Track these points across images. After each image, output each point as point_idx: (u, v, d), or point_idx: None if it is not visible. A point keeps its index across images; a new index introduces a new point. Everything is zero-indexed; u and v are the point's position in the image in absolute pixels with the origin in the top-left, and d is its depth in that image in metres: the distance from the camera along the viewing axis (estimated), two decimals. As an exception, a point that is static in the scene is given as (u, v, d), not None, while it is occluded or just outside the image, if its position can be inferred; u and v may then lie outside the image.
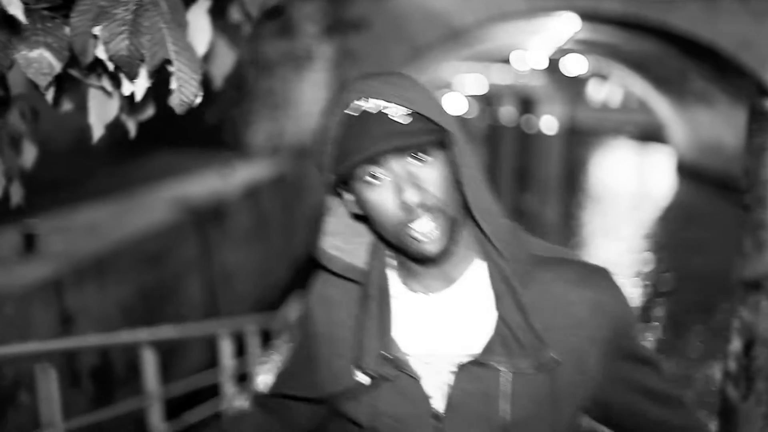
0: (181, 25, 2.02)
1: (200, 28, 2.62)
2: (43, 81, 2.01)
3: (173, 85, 1.94)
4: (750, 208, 4.39)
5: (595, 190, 35.09)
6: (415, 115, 1.83)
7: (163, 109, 2.01)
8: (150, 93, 2.30)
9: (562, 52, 51.40)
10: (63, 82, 2.50)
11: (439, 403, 1.94)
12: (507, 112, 65.70)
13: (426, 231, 1.83)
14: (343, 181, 1.94)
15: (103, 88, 2.38)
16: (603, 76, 64.91)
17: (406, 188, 1.81)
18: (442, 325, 1.96)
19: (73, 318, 9.33)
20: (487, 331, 1.93)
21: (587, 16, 30.15)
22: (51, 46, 2.01)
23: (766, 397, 4.44)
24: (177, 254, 12.98)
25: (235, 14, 2.87)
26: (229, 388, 7.69)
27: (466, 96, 72.61)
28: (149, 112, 2.56)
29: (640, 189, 36.94)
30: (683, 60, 32.27)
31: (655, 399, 2.00)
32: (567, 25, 34.05)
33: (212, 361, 8.60)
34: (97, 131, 2.45)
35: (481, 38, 33.61)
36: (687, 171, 38.68)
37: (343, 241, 2.07)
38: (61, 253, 10.03)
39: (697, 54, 29.76)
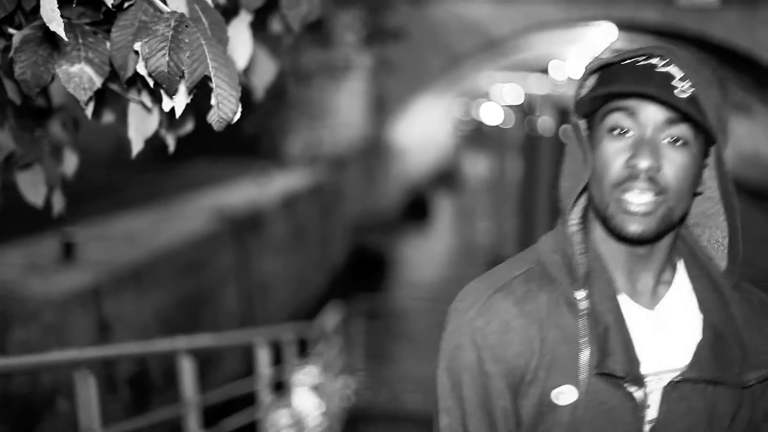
0: (221, 41, 2.03)
1: (241, 42, 2.63)
2: (83, 96, 2.02)
3: (213, 101, 1.95)
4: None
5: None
6: (696, 100, 1.74)
7: (203, 119, 2.01)
8: (189, 107, 2.31)
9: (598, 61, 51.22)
10: (103, 96, 2.53)
11: (645, 426, 1.84)
12: (544, 122, 65.46)
13: (639, 202, 1.74)
14: (589, 128, 1.88)
15: (142, 103, 2.39)
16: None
17: (645, 153, 1.72)
18: (660, 341, 1.87)
19: (110, 326, 9.38)
20: (694, 345, 1.86)
21: (625, 26, 30.09)
22: (92, 61, 2.02)
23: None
24: (214, 263, 13.02)
25: (276, 26, 2.89)
26: (265, 396, 7.70)
27: (503, 106, 72.44)
28: (188, 127, 2.57)
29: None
30: (721, 70, 32.10)
31: None
32: (604, 34, 33.95)
33: (249, 369, 8.61)
34: (137, 145, 2.46)
35: (518, 48, 33.58)
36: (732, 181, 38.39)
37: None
38: (100, 261, 10.10)
39: (734, 63, 29.63)
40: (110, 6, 1.93)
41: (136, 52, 1.96)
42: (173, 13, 1.93)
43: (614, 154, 1.76)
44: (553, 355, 1.82)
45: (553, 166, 45.29)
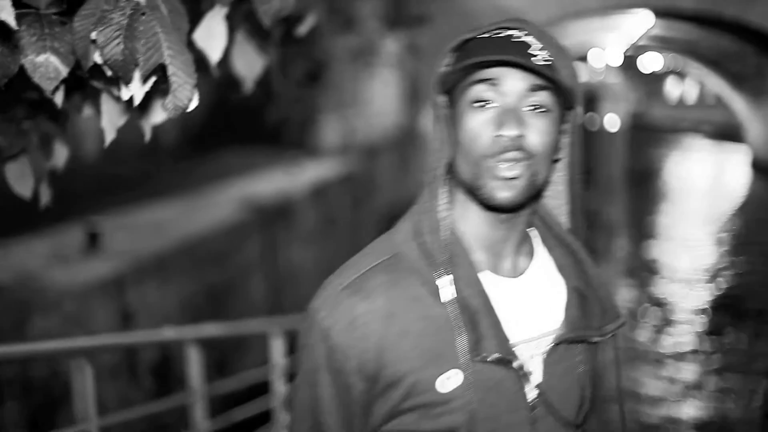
0: (180, 29, 2.01)
1: (216, 34, 2.63)
2: (48, 85, 2.01)
3: (171, 89, 1.94)
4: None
5: (668, 189, 34.73)
6: (554, 69, 1.80)
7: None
8: (161, 96, 2.30)
9: (638, 49, 51.02)
10: (81, 87, 2.52)
11: (531, 392, 1.88)
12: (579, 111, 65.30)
13: (509, 174, 1.78)
14: (450, 103, 1.89)
15: (111, 93, 2.39)
16: (679, 73, 64.31)
17: (510, 122, 1.76)
18: (528, 309, 1.92)
19: (133, 314, 9.42)
20: (562, 308, 1.96)
21: (662, 13, 29.92)
22: (57, 50, 2.01)
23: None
24: (242, 253, 13.05)
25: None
26: (279, 386, 7.69)
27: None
28: (161, 116, 2.55)
29: (714, 187, 36.50)
30: (760, 57, 31.84)
31: None
32: (641, 21, 33.78)
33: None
34: (109, 135, 2.45)
35: (557, 35, 33.49)
36: (763, 169, 38.16)
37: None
38: (124, 250, 10.14)
39: (772, 51, 29.39)
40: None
41: (95, 41, 1.95)
42: (130, 1, 1.92)
43: (480, 126, 1.79)
44: (427, 346, 1.81)
45: (578, 154, 45.20)
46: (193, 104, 1.98)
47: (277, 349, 7.55)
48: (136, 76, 2.01)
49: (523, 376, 1.85)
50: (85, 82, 2.42)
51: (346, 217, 19.21)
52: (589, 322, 1.93)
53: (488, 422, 1.82)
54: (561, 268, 2.00)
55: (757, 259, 20.36)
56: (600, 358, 2.06)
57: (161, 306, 10.17)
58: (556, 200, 2.03)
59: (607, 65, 68.08)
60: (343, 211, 18.98)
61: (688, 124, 63.03)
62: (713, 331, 14.56)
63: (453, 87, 1.87)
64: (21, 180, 2.87)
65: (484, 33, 1.85)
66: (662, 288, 17.67)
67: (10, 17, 1.78)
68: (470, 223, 1.92)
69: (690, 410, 11.21)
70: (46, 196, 3.02)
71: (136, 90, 2.05)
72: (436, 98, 1.92)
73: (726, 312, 15.85)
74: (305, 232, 16.16)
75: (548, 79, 1.77)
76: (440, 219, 1.91)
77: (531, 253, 2.00)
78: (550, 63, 1.79)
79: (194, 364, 5.71)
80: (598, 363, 2.06)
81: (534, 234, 2.03)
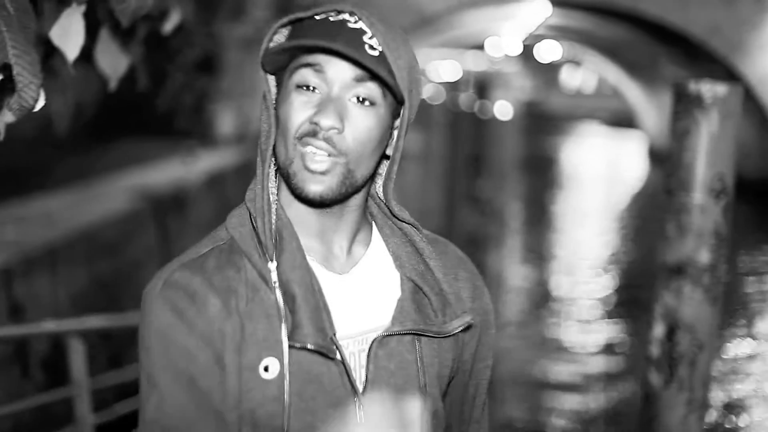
0: (26, 28, 1.99)
1: (73, 32, 2.60)
2: None
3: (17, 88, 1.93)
4: (673, 192, 4.41)
5: (564, 176, 35.11)
6: (385, 60, 1.77)
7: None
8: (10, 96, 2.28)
9: (536, 38, 51.48)
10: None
11: (358, 386, 1.85)
12: (466, 98, 65.38)
13: (318, 160, 1.76)
14: (277, 83, 1.88)
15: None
16: (577, 62, 65.07)
17: (329, 112, 1.74)
18: (359, 304, 1.90)
19: (22, 308, 9.29)
20: (395, 301, 1.92)
21: (559, 2, 30.17)
22: None
23: (688, 383, 4.46)
24: (135, 243, 12.94)
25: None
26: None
27: (438, 83, 72.43)
28: (10, 117, 2.52)
29: (611, 174, 36.99)
30: (654, 46, 32.34)
31: None
32: (538, 10, 34.07)
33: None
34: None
35: (453, 24, 33.62)
36: (658, 156, 38.78)
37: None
38: (12, 242, 9.98)
39: (667, 40, 29.81)
40: None
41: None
42: (-27, 0, 1.90)
43: (298, 107, 1.77)
44: (254, 328, 1.80)
45: (470, 142, 45.60)
46: (40, 104, 1.97)
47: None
48: (-21, 75, 2.00)
49: (344, 370, 1.83)
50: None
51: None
52: (425, 316, 1.91)
53: (306, 415, 1.79)
54: (397, 259, 1.97)
55: (653, 247, 20.68)
56: (469, 352, 2.05)
57: (52, 299, 10.04)
58: (388, 195, 1.96)
59: (505, 55, 68.56)
60: (239, 199, 18.86)
61: (584, 111, 63.90)
62: (608, 319, 14.74)
63: (282, 67, 1.85)
64: None
65: (318, 14, 1.80)
66: (556, 277, 17.85)
67: None
68: (299, 211, 1.91)
69: (586, 398, 11.38)
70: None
71: (-22, 89, 2.04)
72: (265, 77, 1.90)
73: (621, 301, 16.05)
74: (201, 222, 16.07)
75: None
76: (269, 204, 1.89)
77: (367, 243, 1.98)
78: (379, 54, 1.76)
79: (77, 357, 5.65)
80: (459, 356, 2.02)
81: (374, 224, 2.02)
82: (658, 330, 4.51)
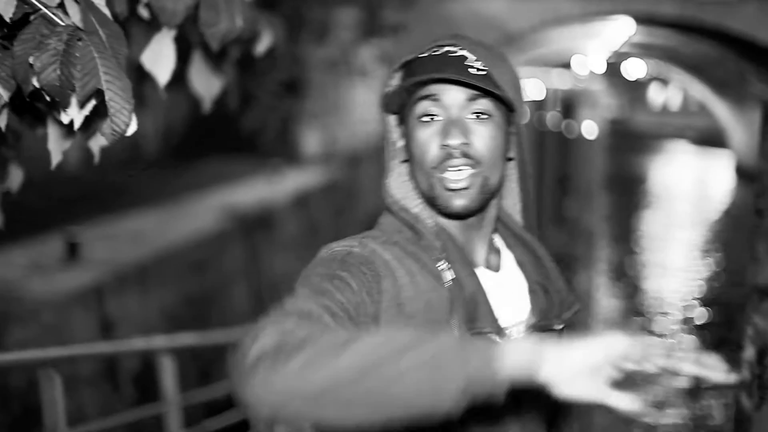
0: (118, 54, 2.06)
1: (164, 56, 2.67)
2: (-11, 109, 2.06)
3: (109, 113, 1.99)
4: (763, 213, 4.31)
5: (650, 195, 34.71)
6: (491, 77, 1.92)
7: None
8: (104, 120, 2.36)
9: (620, 55, 51.02)
10: (32, 109, 2.56)
11: None
12: (552, 117, 64.90)
13: (459, 178, 1.91)
14: (401, 120, 2.04)
15: (55, 117, 2.43)
16: (662, 80, 64.34)
17: (454, 132, 1.90)
18: (510, 299, 2.06)
19: (113, 324, 9.45)
20: (527, 299, 2.10)
21: (643, 20, 29.92)
22: (-1, 75, 2.06)
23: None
24: (223, 262, 13.07)
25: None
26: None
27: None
28: (100, 141, 2.58)
29: (698, 193, 36.50)
30: (742, 62, 31.90)
31: None
32: (622, 28, 33.82)
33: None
34: (55, 157, 2.49)
35: (537, 43, 33.47)
36: (746, 175, 38.17)
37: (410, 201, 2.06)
38: (104, 260, 10.16)
39: (755, 56, 29.39)
40: (8, 20, 1.97)
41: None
42: (67, 26, 1.97)
43: (427, 138, 1.94)
44: (429, 305, 1.90)
45: (557, 162, 45.33)
46: (132, 129, 2.03)
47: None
48: (74, 101, 2.06)
49: None
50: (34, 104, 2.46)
51: (328, 225, 19.22)
52: (551, 312, 2.08)
53: None
54: (521, 265, 2.12)
55: (742, 267, 20.35)
56: None
57: (142, 316, 10.20)
58: (511, 198, 2.15)
59: (590, 72, 68.00)
60: (325, 219, 18.99)
61: (671, 129, 63.03)
62: (697, 341, 14.55)
63: (402, 105, 2.02)
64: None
65: (424, 52, 1.98)
66: (642, 296, 17.65)
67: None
68: (446, 223, 2.04)
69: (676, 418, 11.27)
70: (-1, 221, 3.04)
71: (74, 114, 2.09)
72: (385, 118, 2.08)
73: (709, 323, 15.82)
74: (287, 241, 16.18)
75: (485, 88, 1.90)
76: (421, 215, 2.03)
77: (498, 251, 2.12)
78: (485, 73, 1.91)
79: (168, 374, 5.74)
80: None
81: (495, 235, 2.15)
82: (749, 353, 4.42)
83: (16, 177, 3.02)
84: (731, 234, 25.51)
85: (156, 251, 11.02)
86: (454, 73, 1.88)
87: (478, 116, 1.93)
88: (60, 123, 2.42)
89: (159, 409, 5.84)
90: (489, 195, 1.98)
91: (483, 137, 1.92)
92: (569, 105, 68.02)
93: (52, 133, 2.47)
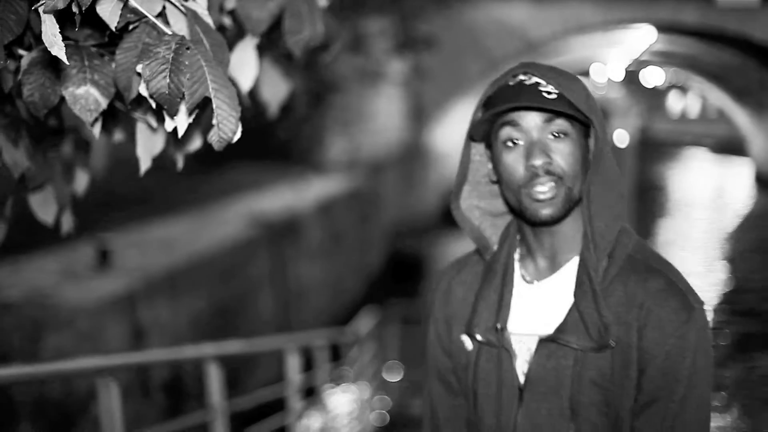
0: (222, 63, 2.06)
1: (247, 64, 2.69)
2: (89, 117, 2.05)
3: (214, 121, 1.98)
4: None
5: (673, 202, 34.72)
6: (563, 97, 2.10)
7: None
8: (197, 126, 2.36)
9: (640, 63, 51.05)
10: (114, 114, 2.56)
11: (523, 377, 2.22)
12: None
13: (544, 191, 2.10)
14: (488, 145, 2.25)
15: (148, 123, 2.43)
16: (681, 88, 64.36)
17: (536, 153, 2.09)
18: (539, 310, 2.24)
19: (145, 332, 9.46)
20: (562, 316, 2.19)
21: (665, 28, 29.95)
22: (97, 83, 2.05)
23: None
24: (250, 269, 13.08)
25: (284, 47, 2.92)
26: (295, 402, 7.73)
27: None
28: (196, 144, 2.61)
29: (718, 201, 36.48)
30: (763, 71, 31.88)
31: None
32: (644, 36, 33.81)
33: (281, 375, 8.66)
34: (144, 163, 2.50)
35: (558, 50, 33.52)
36: (766, 183, 38.14)
37: (479, 217, 2.39)
38: (135, 267, 10.17)
39: (776, 64, 29.42)
40: (114, 29, 1.96)
41: (139, 74, 1.99)
42: (174, 35, 1.96)
43: (513, 161, 2.15)
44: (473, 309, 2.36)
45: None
46: (237, 136, 2.03)
47: (293, 365, 7.60)
48: (182, 108, 2.05)
49: (513, 357, 2.24)
50: (117, 110, 2.46)
51: (352, 232, 19.25)
52: (580, 336, 2.14)
53: (486, 386, 2.27)
54: (578, 284, 2.18)
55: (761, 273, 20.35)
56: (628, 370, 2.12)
57: (172, 323, 10.20)
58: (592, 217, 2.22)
59: (609, 80, 68.13)
60: (350, 226, 19.02)
61: (690, 137, 63.01)
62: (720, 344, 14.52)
63: (487, 133, 2.23)
64: (44, 207, 2.90)
65: (501, 83, 2.18)
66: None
67: (61, 52, 1.82)
68: (525, 231, 2.30)
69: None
70: (68, 223, 3.04)
71: (181, 122, 2.09)
72: (469, 144, 2.33)
73: (733, 329, 15.77)
74: (312, 248, 16.20)
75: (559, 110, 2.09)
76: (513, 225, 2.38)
77: (562, 264, 2.26)
78: (557, 95, 2.10)
79: (214, 381, 5.74)
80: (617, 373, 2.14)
81: (574, 256, 2.26)
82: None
83: (82, 180, 3.04)
84: (752, 239, 25.48)
85: (186, 258, 11.03)
86: (529, 99, 2.08)
87: (556, 136, 2.11)
88: (152, 129, 2.42)
89: (205, 417, 5.84)
90: (571, 204, 2.16)
91: (563, 154, 2.11)
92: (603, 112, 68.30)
93: (141, 139, 2.47)
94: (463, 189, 2.35)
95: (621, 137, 65.49)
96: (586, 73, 60.11)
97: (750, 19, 26.92)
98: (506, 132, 2.14)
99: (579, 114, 2.12)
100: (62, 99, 2.10)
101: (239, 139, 2.06)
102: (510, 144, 2.14)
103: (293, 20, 2.64)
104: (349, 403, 10.28)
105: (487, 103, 2.21)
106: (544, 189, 2.11)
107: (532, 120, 2.12)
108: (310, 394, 9.25)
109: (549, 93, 2.10)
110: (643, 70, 60.33)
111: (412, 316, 16.40)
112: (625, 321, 2.12)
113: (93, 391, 7.74)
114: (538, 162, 2.09)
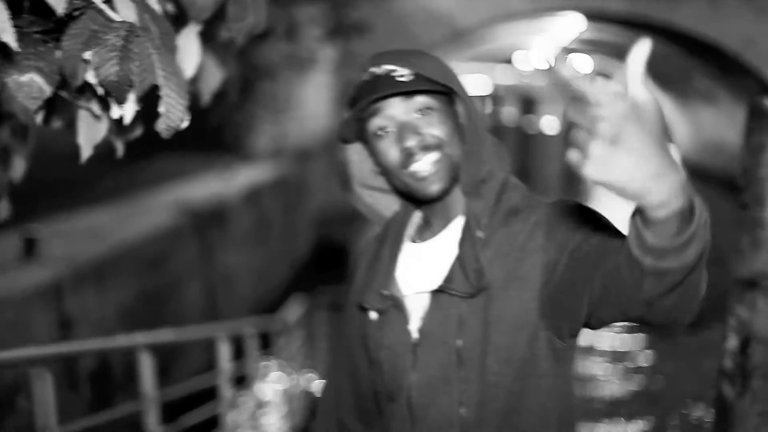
0: (171, 51, 2.04)
1: (190, 51, 2.66)
2: (33, 105, 2.02)
3: (161, 109, 1.96)
4: (747, 206, 4.41)
5: (598, 190, 35.00)
6: (418, 75, 2.15)
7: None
8: (138, 114, 2.33)
9: (566, 51, 51.39)
10: (53, 102, 2.52)
11: (417, 333, 2.27)
12: (508, 113, 65.56)
13: (425, 168, 2.16)
14: (364, 142, 2.31)
15: (91, 110, 2.39)
16: (607, 75, 64.92)
17: (408, 135, 2.15)
18: (428, 266, 2.30)
19: (72, 322, 9.34)
20: (447, 269, 2.25)
21: (593, 16, 30.15)
22: (42, 70, 2.03)
23: (761, 394, 4.46)
24: (178, 257, 12.99)
25: (224, 34, 2.91)
26: (226, 390, 7.70)
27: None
28: (137, 132, 2.59)
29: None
30: (687, 59, 32.25)
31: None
32: (572, 24, 34.03)
33: (211, 364, 8.62)
34: (86, 151, 2.48)
35: (485, 38, 33.62)
36: (690, 170, 38.53)
37: (377, 197, 2.46)
38: (62, 257, 10.03)
39: (701, 53, 29.74)
40: (61, 15, 1.93)
41: (86, 61, 1.96)
42: (123, 22, 1.93)
43: (386, 147, 2.22)
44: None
45: (516, 157, 45.75)
46: (185, 124, 2.01)
47: (224, 354, 7.57)
48: (130, 96, 2.03)
49: (407, 316, 2.29)
50: (56, 97, 2.42)
51: (279, 220, 19.19)
52: (462, 283, 2.17)
53: (387, 351, 2.31)
54: (462, 237, 2.24)
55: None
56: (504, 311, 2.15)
57: (100, 313, 10.09)
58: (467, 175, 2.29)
59: (535, 68, 68.55)
60: (276, 214, 18.96)
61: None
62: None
63: (360, 131, 2.30)
64: (-22, 194, 2.87)
65: (358, 81, 2.24)
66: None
67: (10, 38, 1.79)
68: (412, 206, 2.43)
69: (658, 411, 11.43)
70: (4, 210, 3.03)
71: (127, 109, 2.07)
72: (345, 148, 2.39)
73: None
74: (240, 236, 16.13)
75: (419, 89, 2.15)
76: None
77: (449, 222, 2.33)
78: (414, 76, 2.15)
79: (146, 371, 5.70)
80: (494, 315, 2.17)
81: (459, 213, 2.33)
82: (732, 343, 4.51)
83: (19, 167, 3.03)
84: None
85: (113, 247, 10.90)
86: (386, 87, 2.14)
87: (422, 113, 2.17)
88: (95, 117, 2.39)
89: (137, 407, 5.79)
90: (456, 170, 2.22)
91: (433, 126, 2.17)
92: (529, 101, 68.76)
93: (83, 127, 2.44)
94: (354, 188, 2.45)
95: (549, 124, 65.96)
96: (510, 61, 60.45)
97: (676, 8, 27.16)
98: (375, 123, 2.20)
99: (437, 86, 2.17)
100: (1, 85, 2.06)
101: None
102: (381, 133, 2.21)
103: (237, 7, 2.63)
104: (279, 390, 10.26)
105: (351, 104, 2.26)
106: (425, 166, 2.17)
107: (394, 105, 2.18)
108: (241, 382, 9.22)
109: (403, 76, 2.15)
110: (569, 57, 60.75)
111: (339, 303, 16.42)
112: (508, 259, 2.15)
113: (19, 383, 7.66)
114: (411, 143, 2.15)
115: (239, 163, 18.63)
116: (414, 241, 2.38)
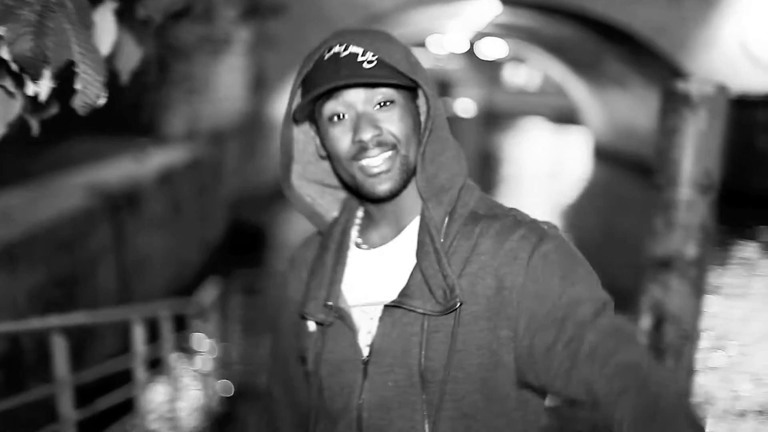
0: (87, 26, 2.02)
1: (106, 29, 2.62)
2: (-60, 82, 2.00)
3: (77, 85, 1.95)
4: (661, 187, 4.51)
5: (514, 172, 35.32)
6: (384, 63, 2.02)
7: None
8: (54, 91, 2.30)
9: (481, 35, 51.67)
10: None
11: (367, 349, 2.12)
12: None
13: (377, 164, 2.04)
14: (313, 121, 2.18)
15: (4, 88, 2.36)
16: (521, 60, 65.40)
17: (364, 127, 2.01)
18: (380, 277, 2.15)
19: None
20: (405, 281, 2.10)
21: (507, 1, 30.32)
22: (-50, 46, 1.99)
23: (676, 373, 4.55)
24: (90, 240, 12.85)
25: (142, 11, 2.87)
26: (141, 373, 7.66)
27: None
28: (53, 110, 2.55)
29: (557, 171, 37.25)
30: (600, 44, 32.64)
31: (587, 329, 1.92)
32: (486, 9, 34.20)
33: (126, 347, 8.57)
34: (-1, 129, 2.43)
35: (400, 22, 33.63)
36: (603, 153, 39.11)
37: (317, 192, 2.33)
38: (-29, 239, 9.88)
39: (613, 38, 30.13)
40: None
41: (1, 37, 1.94)
42: (38, -3, 1.91)
43: (340, 135, 2.07)
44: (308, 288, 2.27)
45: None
46: (102, 101, 2.00)
47: (138, 336, 7.53)
48: (45, 73, 2.01)
49: (355, 330, 2.14)
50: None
51: (193, 203, 19.07)
52: (426, 299, 2.02)
53: (329, 367, 2.16)
54: (419, 246, 2.08)
55: (599, 243, 20.84)
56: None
57: (10, 296, 9.95)
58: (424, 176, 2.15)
59: (450, 52, 68.83)
60: (190, 197, 18.84)
61: (529, 107, 64.26)
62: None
63: (311, 112, 2.15)
64: None
65: (315, 57, 2.08)
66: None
67: None
68: (365, 207, 2.26)
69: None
70: None
71: (43, 86, 2.05)
72: (290, 125, 2.21)
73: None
74: (153, 219, 16.00)
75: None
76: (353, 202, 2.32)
77: (403, 228, 2.19)
78: (376, 62, 2.01)
79: (60, 354, 5.64)
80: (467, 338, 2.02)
81: (416, 217, 2.19)
82: (645, 322, 4.61)
83: None
84: (588, 209, 26.07)
85: (24, 230, 10.75)
86: (349, 74, 1.99)
87: (382, 105, 2.04)
88: (8, 94, 2.35)
89: (50, 390, 5.73)
90: (411, 171, 2.09)
91: (392, 122, 2.04)
92: (444, 84, 69.02)
93: (-4, 104, 2.40)
94: (293, 169, 2.27)
95: (465, 107, 66.29)
96: (424, 45, 60.58)
97: (588, -7, 27.47)
98: (330, 107, 2.06)
99: (403, 79, 2.03)
100: None
101: (71, 110, 2.03)
102: (335, 119, 2.07)
103: (154, -16, 2.60)
104: (194, 373, 10.23)
105: (305, 80, 2.10)
106: (377, 162, 2.04)
107: (354, 93, 2.04)
108: (156, 365, 9.18)
109: (368, 62, 2.02)
110: (483, 41, 61.05)
111: (254, 286, 16.34)
112: (472, 272, 2.02)
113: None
114: (367, 136, 2.02)
115: (153, 146, 18.46)
116: (360, 247, 2.23)
